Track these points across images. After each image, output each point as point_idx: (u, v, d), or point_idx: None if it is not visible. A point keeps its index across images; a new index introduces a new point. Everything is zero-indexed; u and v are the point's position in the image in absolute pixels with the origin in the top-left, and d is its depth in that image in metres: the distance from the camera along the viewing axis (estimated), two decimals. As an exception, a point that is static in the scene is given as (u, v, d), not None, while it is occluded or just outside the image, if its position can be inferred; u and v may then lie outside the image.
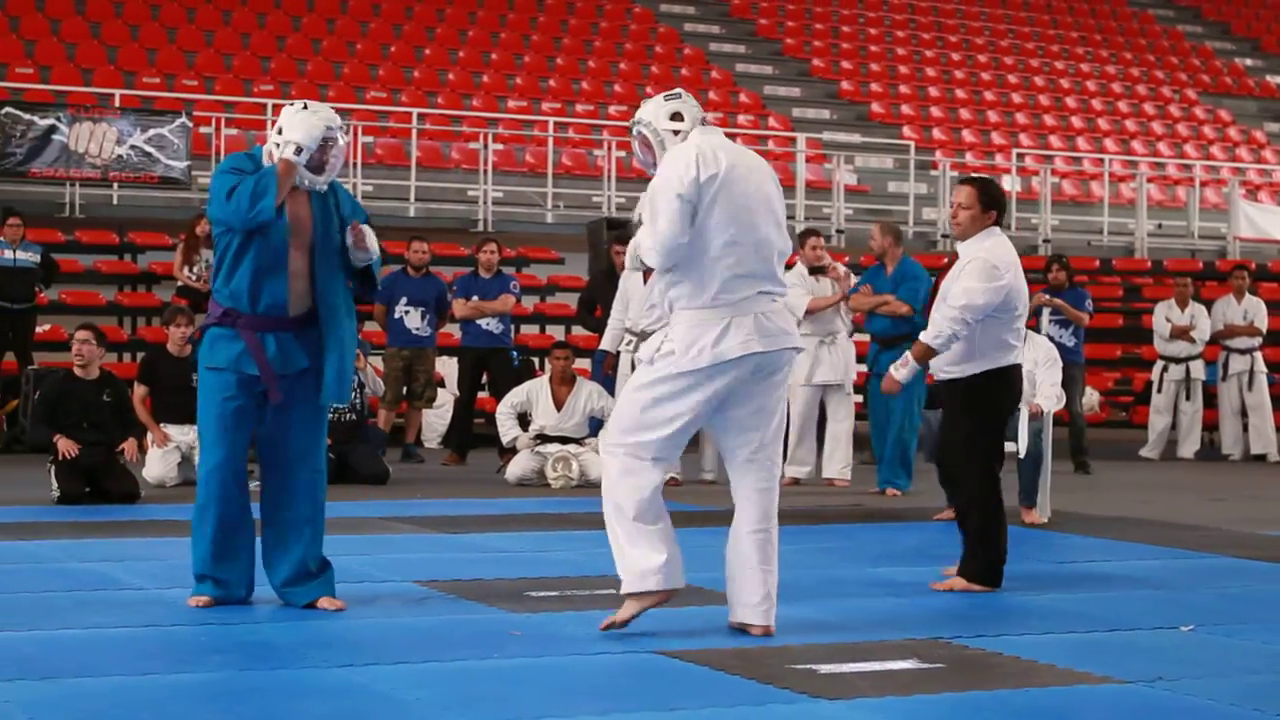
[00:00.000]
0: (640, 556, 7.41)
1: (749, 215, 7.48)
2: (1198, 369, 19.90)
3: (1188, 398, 19.90)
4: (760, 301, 7.47)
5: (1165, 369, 19.97)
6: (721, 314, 7.38)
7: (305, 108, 8.09)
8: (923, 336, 9.17)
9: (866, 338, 16.69)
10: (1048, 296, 17.61)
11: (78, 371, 13.28)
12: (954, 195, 9.43)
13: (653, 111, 7.78)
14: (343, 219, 8.15)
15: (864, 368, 15.79)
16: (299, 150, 7.90)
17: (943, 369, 9.25)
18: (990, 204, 9.21)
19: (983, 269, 9.04)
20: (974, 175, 10.56)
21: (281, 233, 7.91)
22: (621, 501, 7.43)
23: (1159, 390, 20.09)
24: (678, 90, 7.91)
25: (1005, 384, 9.26)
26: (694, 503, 13.58)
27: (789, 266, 16.82)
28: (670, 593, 7.48)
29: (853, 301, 15.05)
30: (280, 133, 8.00)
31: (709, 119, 7.87)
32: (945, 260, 9.63)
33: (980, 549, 9.10)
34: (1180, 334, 19.75)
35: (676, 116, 7.73)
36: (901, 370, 9.33)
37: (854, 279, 15.46)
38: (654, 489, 7.45)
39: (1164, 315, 19.95)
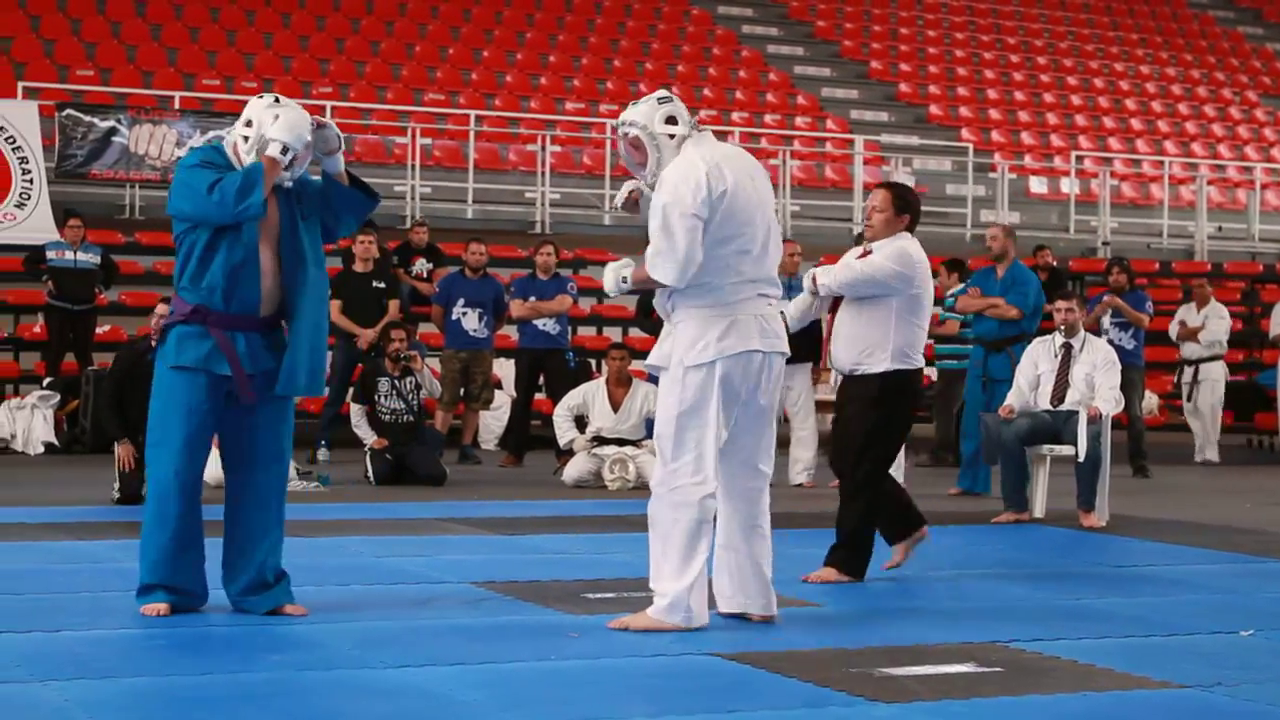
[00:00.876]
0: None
1: (753, 225, 7.72)
2: (1208, 370, 19.61)
3: (1187, 399, 19.68)
4: (759, 304, 7.77)
5: (1180, 371, 19.89)
6: (724, 313, 7.66)
7: (277, 101, 7.86)
8: (818, 272, 9.50)
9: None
10: (1109, 297, 17.54)
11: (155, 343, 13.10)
12: (869, 199, 9.66)
13: (646, 114, 7.82)
14: (304, 205, 8.00)
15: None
16: (285, 150, 7.71)
17: (855, 364, 9.37)
18: (904, 208, 9.43)
19: (896, 253, 9.29)
20: (891, 181, 10.92)
21: (252, 230, 7.73)
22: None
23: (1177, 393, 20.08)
24: (667, 92, 7.99)
25: (914, 385, 9.48)
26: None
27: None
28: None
29: (960, 303, 15.03)
30: (249, 125, 7.81)
31: (697, 119, 7.95)
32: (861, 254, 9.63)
33: (855, 541, 9.43)
34: (1188, 335, 19.64)
35: (671, 120, 7.82)
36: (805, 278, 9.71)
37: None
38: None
39: (1180, 317, 19.86)
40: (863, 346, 9.32)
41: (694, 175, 7.57)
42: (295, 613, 7.87)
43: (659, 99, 7.89)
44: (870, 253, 9.42)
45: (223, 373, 7.73)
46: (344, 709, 6.14)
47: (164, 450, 7.76)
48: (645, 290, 8.19)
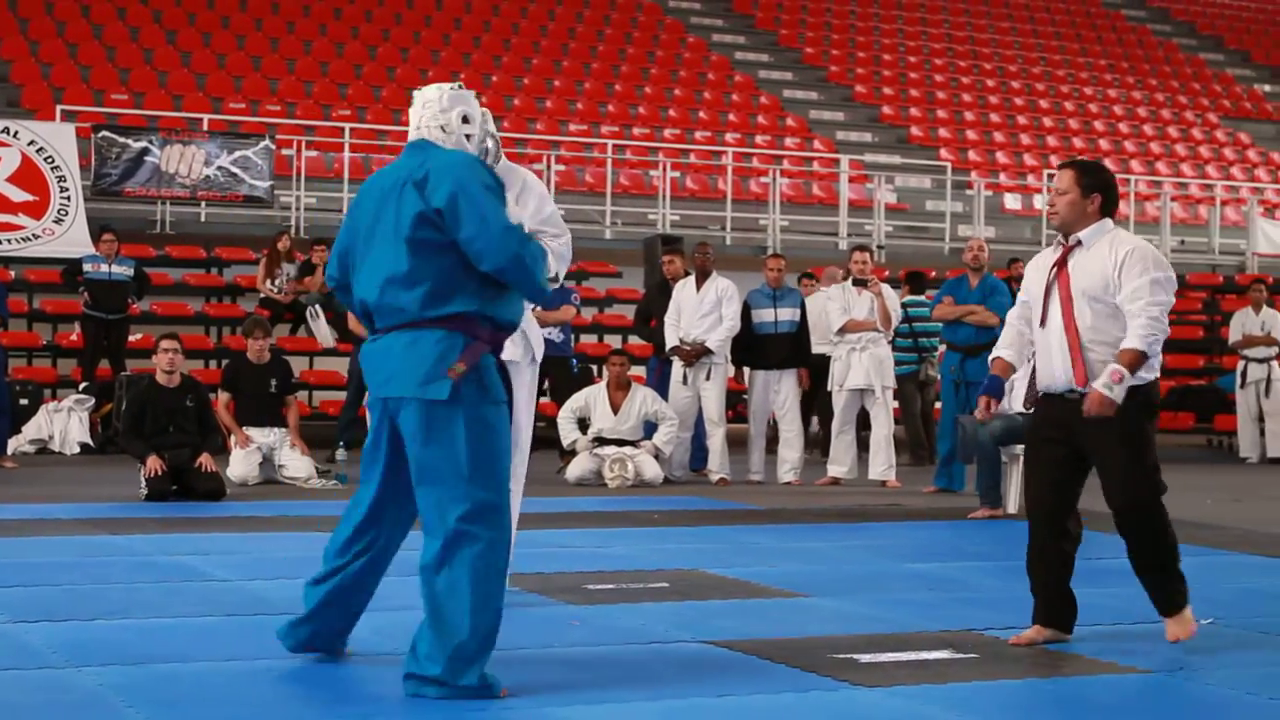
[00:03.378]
0: None
1: None
2: None
3: None
4: None
5: None
6: None
7: (460, 88, 6.65)
8: (1134, 343, 7.13)
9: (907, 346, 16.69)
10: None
11: (161, 379, 13.30)
12: (1055, 180, 7.56)
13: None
14: None
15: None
16: (555, 279, 7.01)
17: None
18: (1093, 186, 7.33)
19: (1152, 260, 7.23)
20: (1075, 159, 8.56)
21: None
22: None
23: None
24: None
25: (1156, 398, 7.54)
26: (744, 501, 13.58)
27: (828, 281, 16.96)
28: None
29: (936, 312, 14.91)
30: (467, 122, 6.56)
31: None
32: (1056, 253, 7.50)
33: (1174, 574, 7.55)
34: None
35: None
36: (1118, 388, 7.11)
37: (887, 291, 15.46)
38: None
39: None
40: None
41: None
42: None
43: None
44: (1077, 245, 7.34)
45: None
46: (358, 693, 6.14)
47: (500, 488, 6.18)
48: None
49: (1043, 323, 7.39)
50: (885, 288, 15.53)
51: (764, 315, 15.52)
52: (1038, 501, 7.65)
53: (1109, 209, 7.38)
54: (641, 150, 26.43)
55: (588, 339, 21.39)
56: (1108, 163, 30.37)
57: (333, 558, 6.49)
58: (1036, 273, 7.52)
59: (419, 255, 6.10)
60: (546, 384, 17.50)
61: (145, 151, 20.75)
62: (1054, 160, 30.39)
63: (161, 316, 19.58)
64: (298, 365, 18.07)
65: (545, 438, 17.41)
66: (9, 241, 19.67)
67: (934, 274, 21.26)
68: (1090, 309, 7.25)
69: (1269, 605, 8.59)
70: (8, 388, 16.65)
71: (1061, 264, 7.37)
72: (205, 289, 21.11)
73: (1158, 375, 7.38)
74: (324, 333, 18.98)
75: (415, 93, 6.66)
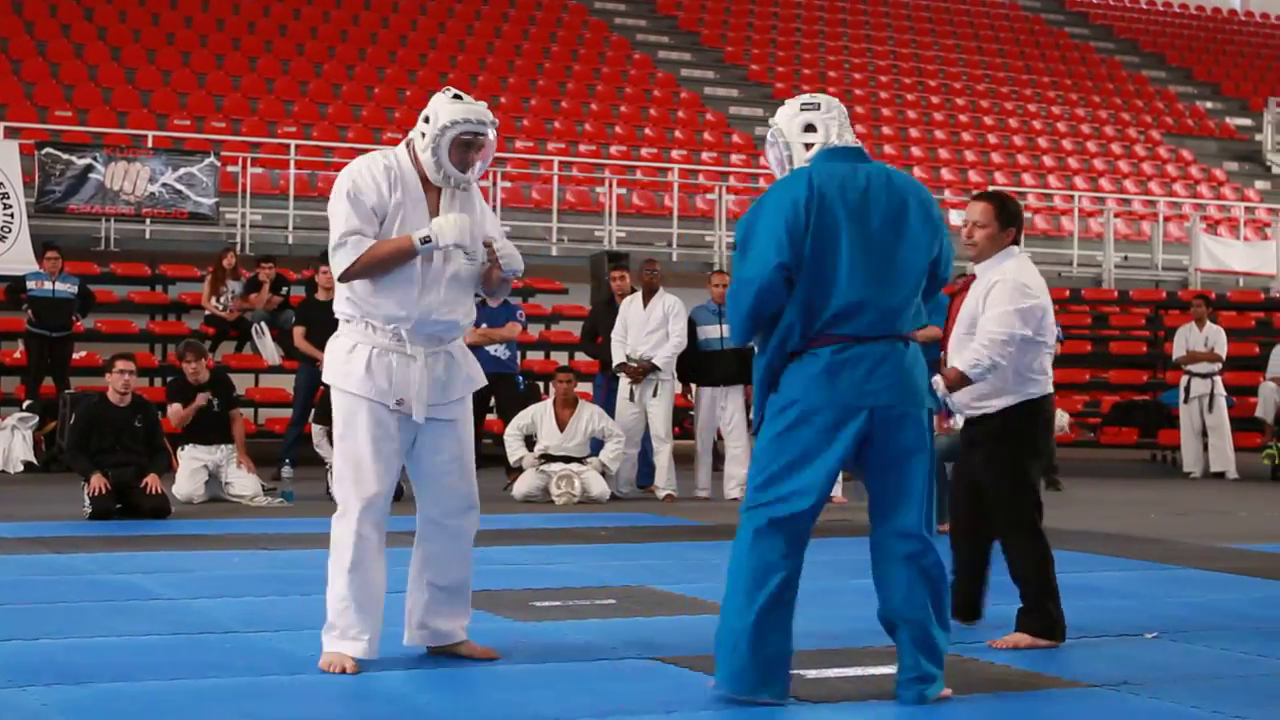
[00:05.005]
0: None
1: None
2: None
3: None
4: None
5: None
6: None
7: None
8: (958, 363, 7.73)
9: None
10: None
11: (113, 397, 13.28)
12: (968, 213, 7.99)
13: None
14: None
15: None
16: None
17: (971, 406, 7.87)
18: (1009, 220, 7.83)
19: (1013, 291, 7.70)
20: (989, 191, 8.88)
21: None
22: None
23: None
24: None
25: (1042, 413, 7.90)
26: (690, 517, 13.59)
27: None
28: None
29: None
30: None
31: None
32: (958, 284, 8.39)
33: (1040, 598, 7.73)
34: None
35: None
36: (930, 398, 7.14)
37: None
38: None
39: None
40: (978, 388, 7.78)
41: None
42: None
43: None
44: (972, 277, 7.98)
45: None
46: (304, 710, 6.11)
47: None
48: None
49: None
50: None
51: (709, 332, 15.54)
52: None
53: (1018, 240, 7.88)
54: (588, 167, 26.43)
55: (534, 356, 21.37)
56: (1052, 179, 30.68)
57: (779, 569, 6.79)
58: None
59: (917, 274, 6.48)
60: (493, 401, 17.46)
61: (89, 168, 20.67)
62: (999, 177, 30.53)
63: (106, 334, 19.49)
64: (244, 383, 18.03)
65: (492, 455, 17.40)
66: (-49, 259, 19.56)
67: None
68: (958, 341, 7.90)
69: (1212, 619, 8.63)
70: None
71: (960, 293, 8.01)
72: (150, 306, 21.02)
73: (1015, 401, 7.77)
74: (269, 350, 18.94)
75: (820, 97, 6.88)
